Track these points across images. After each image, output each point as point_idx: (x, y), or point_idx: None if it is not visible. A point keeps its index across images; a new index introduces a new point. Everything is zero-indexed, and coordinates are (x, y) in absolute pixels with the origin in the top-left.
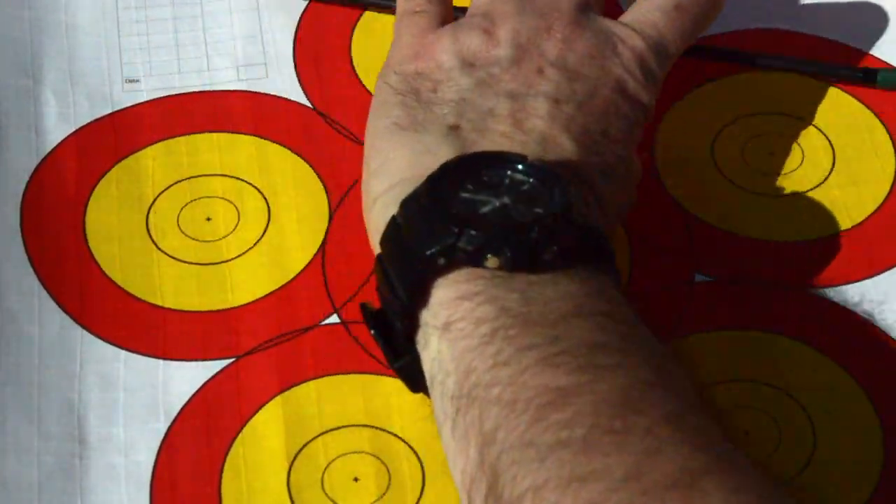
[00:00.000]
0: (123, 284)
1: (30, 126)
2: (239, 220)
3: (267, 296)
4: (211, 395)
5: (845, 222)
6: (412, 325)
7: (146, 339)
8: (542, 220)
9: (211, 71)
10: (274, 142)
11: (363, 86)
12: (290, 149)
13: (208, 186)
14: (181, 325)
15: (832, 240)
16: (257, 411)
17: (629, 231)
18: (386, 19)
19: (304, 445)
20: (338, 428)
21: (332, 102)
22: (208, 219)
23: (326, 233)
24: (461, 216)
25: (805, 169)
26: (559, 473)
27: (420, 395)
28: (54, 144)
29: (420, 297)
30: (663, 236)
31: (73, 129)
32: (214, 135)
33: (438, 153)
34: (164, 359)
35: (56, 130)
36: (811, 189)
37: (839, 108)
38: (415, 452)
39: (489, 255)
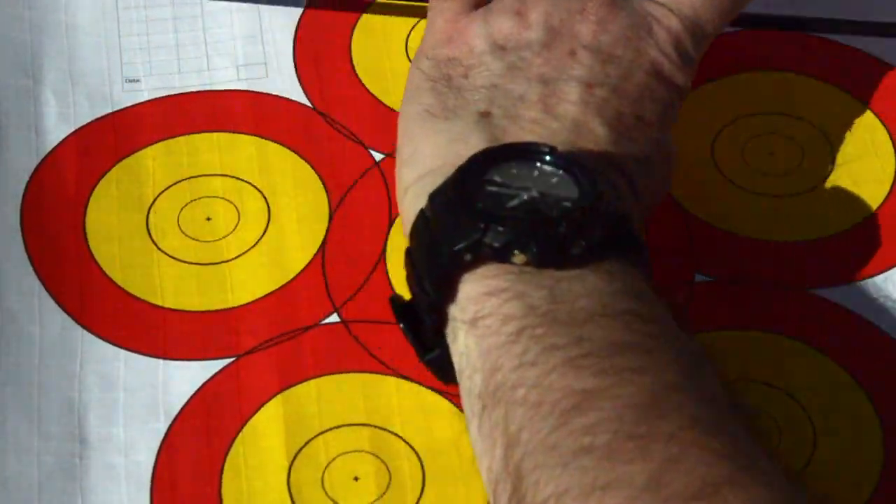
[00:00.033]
0: (123, 284)
1: (30, 126)
2: (239, 219)
3: (267, 295)
4: (211, 395)
5: (845, 222)
6: (441, 319)
7: (146, 338)
8: (569, 214)
9: (211, 71)
10: (274, 142)
11: (363, 85)
12: (290, 149)
13: (208, 186)
14: (181, 324)
15: (832, 240)
16: (257, 411)
17: None
18: (386, 20)
19: (305, 445)
20: (338, 427)
21: (333, 102)
22: (208, 219)
23: (326, 233)
24: (488, 211)
25: (805, 169)
26: (581, 481)
27: (420, 396)
28: (54, 144)
29: (447, 291)
30: (663, 236)
31: (73, 129)
32: (214, 135)
33: (469, 141)
34: (165, 359)
35: (56, 130)
36: (811, 189)
37: (839, 108)
38: (415, 452)
39: (516, 252)
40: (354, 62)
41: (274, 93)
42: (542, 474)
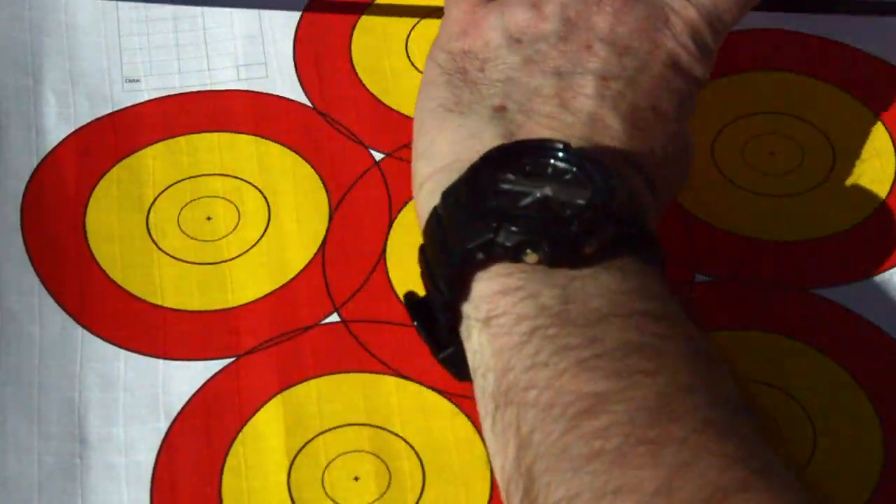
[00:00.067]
0: (123, 284)
1: (30, 126)
2: (239, 219)
3: (267, 295)
4: (211, 395)
5: (845, 222)
6: (455, 317)
7: (146, 338)
8: (582, 213)
9: (211, 71)
10: (274, 141)
11: (363, 85)
12: (290, 148)
13: (208, 186)
14: (181, 324)
15: (832, 240)
16: (257, 411)
17: None
18: (386, 20)
19: (305, 444)
20: (338, 427)
21: (333, 102)
22: (208, 218)
23: (326, 233)
24: (500, 210)
25: (805, 169)
26: (592, 485)
27: (420, 396)
28: (54, 144)
29: (461, 290)
30: (663, 236)
31: (73, 129)
32: (215, 134)
33: (483, 137)
34: (165, 358)
35: (56, 130)
36: (811, 189)
37: (839, 108)
38: (415, 451)
39: (528, 251)
40: (354, 62)
41: (274, 93)
42: (554, 477)
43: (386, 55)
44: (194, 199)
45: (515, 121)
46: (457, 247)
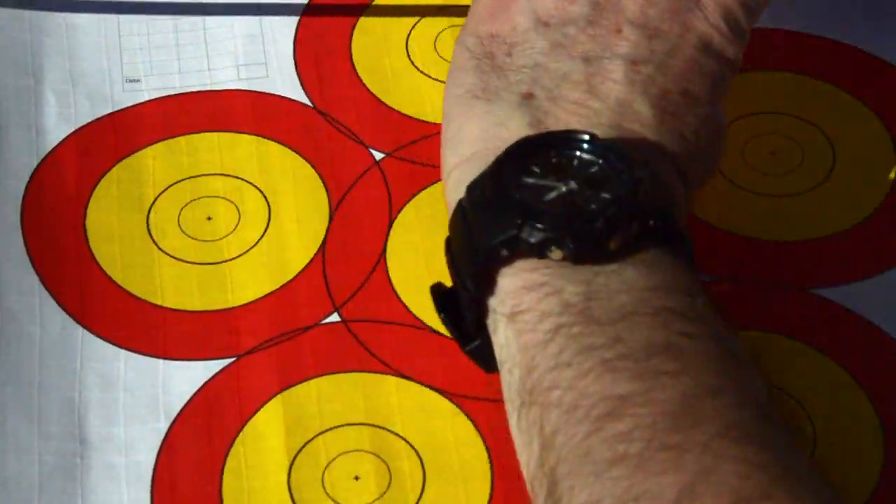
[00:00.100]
0: (124, 284)
1: (30, 126)
2: (239, 219)
3: (267, 295)
4: (211, 395)
5: (845, 222)
6: (482, 311)
7: (146, 338)
8: (607, 208)
9: (211, 71)
10: (274, 141)
11: (364, 85)
12: (290, 148)
13: (209, 186)
14: (181, 324)
15: (832, 240)
16: (258, 411)
17: None
18: (386, 19)
19: (305, 444)
20: (338, 427)
21: (333, 102)
22: (209, 218)
23: (327, 232)
24: (524, 205)
25: (805, 169)
26: (613, 491)
27: (420, 396)
28: (55, 144)
29: (486, 285)
30: None
31: (73, 129)
32: (215, 134)
33: (509, 125)
34: (165, 358)
35: (56, 130)
36: (811, 189)
37: (839, 108)
38: (415, 451)
39: (553, 248)
40: (355, 61)
41: (274, 92)
42: (577, 481)
43: (386, 55)
44: (194, 199)
45: (542, 108)
46: (481, 244)
